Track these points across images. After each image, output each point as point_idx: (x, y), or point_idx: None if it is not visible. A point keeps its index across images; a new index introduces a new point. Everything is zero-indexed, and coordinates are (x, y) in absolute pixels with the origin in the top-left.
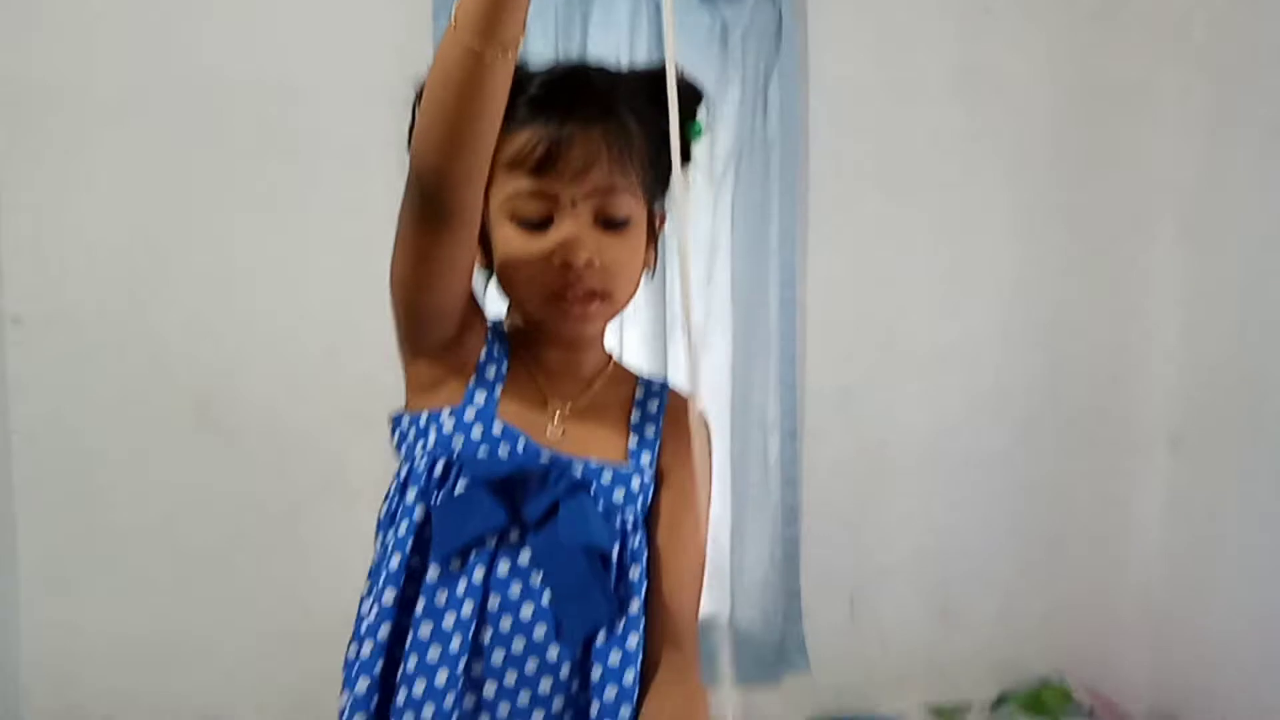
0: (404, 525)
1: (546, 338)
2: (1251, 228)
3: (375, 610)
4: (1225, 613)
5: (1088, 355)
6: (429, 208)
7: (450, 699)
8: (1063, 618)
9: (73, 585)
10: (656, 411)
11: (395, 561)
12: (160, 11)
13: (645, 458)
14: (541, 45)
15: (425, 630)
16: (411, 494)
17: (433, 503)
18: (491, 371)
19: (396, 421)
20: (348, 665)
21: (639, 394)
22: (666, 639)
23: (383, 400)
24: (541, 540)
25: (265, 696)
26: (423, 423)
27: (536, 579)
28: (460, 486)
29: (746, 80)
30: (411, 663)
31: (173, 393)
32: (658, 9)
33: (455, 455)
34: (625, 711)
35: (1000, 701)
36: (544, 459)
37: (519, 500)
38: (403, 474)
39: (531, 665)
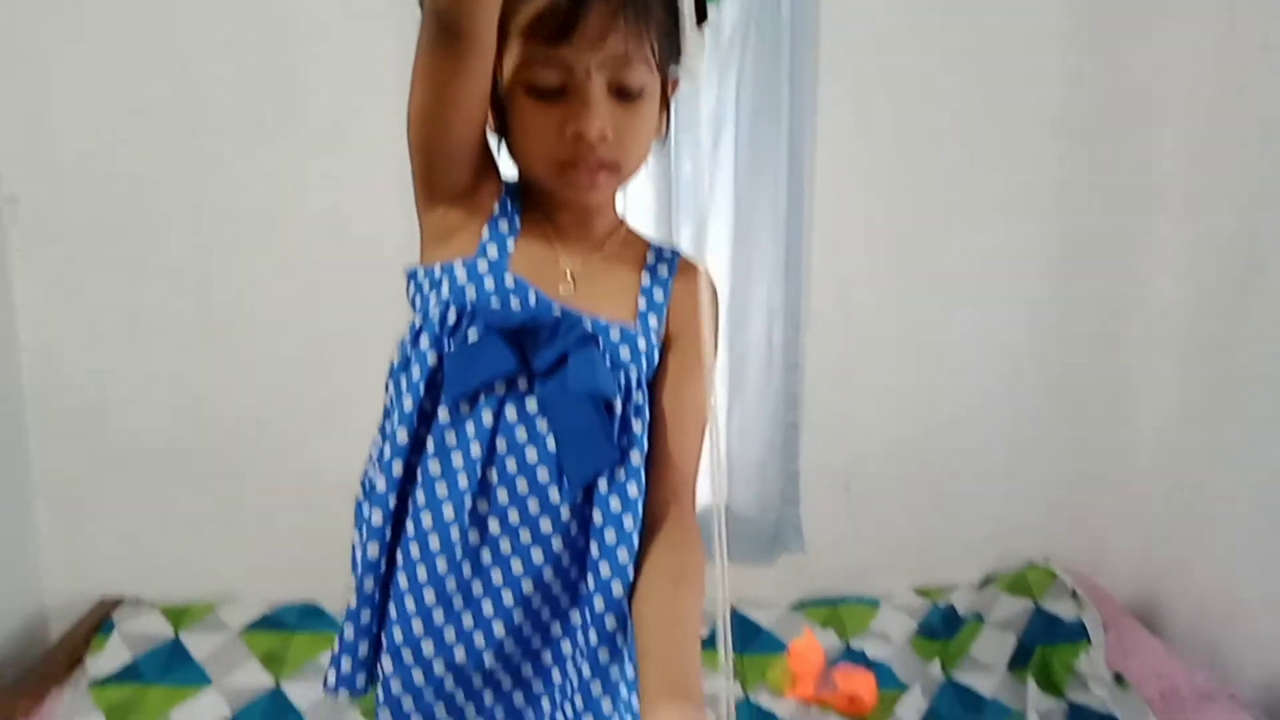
0: (416, 370)
1: (558, 199)
2: (1259, 142)
3: (389, 448)
4: (1217, 510)
5: (1095, 256)
6: (444, 32)
7: (456, 532)
8: (1056, 507)
9: (85, 478)
10: (666, 276)
11: (408, 404)
12: None
13: (653, 320)
14: None
15: (435, 467)
16: (425, 341)
17: (445, 349)
18: (505, 225)
19: (411, 275)
20: (360, 504)
21: (650, 259)
22: (669, 493)
23: (384, 284)
24: (549, 388)
25: (271, 576)
26: (436, 274)
27: (542, 425)
28: (473, 334)
29: None
30: (421, 497)
31: (174, 285)
32: None
33: (468, 304)
34: (623, 554)
35: (986, 582)
36: (555, 312)
37: (528, 350)
38: (417, 324)
39: (533, 505)
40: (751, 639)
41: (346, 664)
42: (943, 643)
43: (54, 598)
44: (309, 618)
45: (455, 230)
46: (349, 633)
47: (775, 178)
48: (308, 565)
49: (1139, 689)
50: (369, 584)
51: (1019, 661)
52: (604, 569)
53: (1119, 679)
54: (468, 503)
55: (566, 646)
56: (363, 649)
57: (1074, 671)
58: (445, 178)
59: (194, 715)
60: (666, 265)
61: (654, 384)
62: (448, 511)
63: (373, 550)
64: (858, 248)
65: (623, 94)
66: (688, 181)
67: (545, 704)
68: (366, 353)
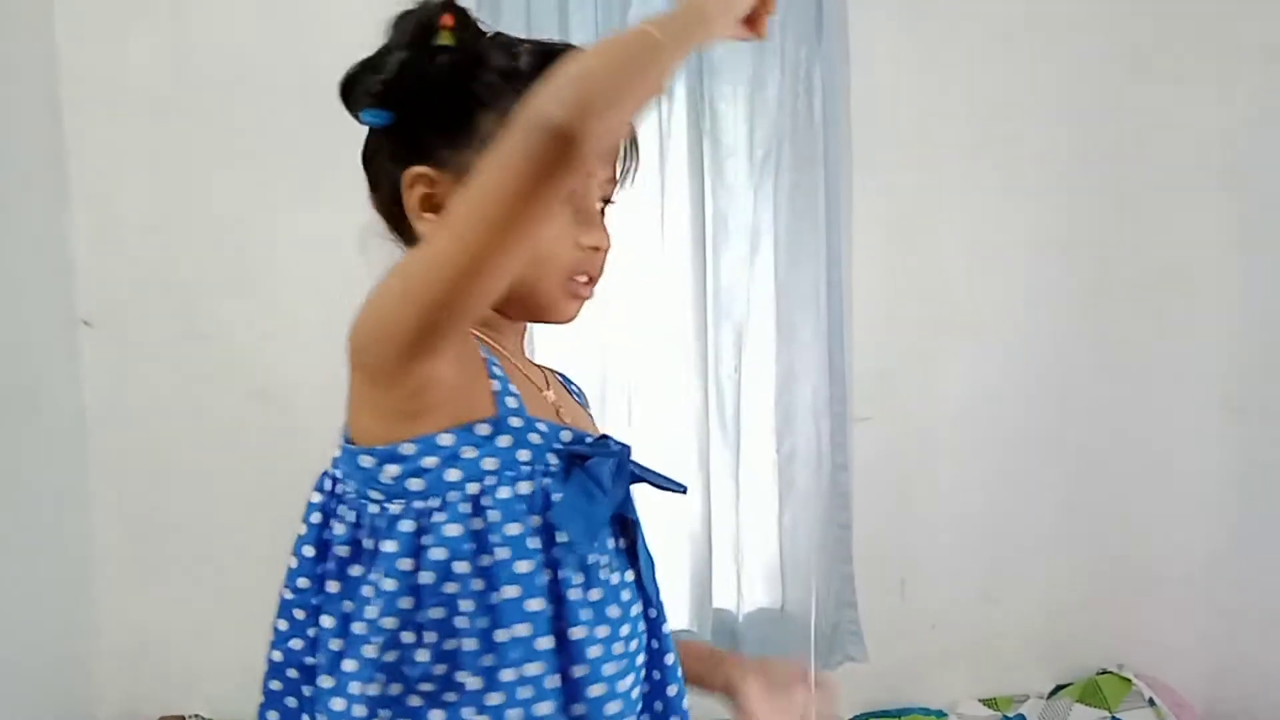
0: (525, 565)
1: (500, 326)
2: None
3: (542, 669)
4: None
5: (1134, 325)
6: (565, 146)
7: (636, 691)
8: (1119, 602)
9: (144, 569)
10: (580, 394)
11: (535, 604)
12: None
13: None
14: (581, 35)
15: (602, 631)
16: (514, 528)
17: (548, 514)
18: (497, 370)
19: (390, 456)
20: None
21: (560, 378)
22: None
23: None
24: (634, 521)
25: None
26: (448, 444)
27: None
28: (574, 484)
29: (786, 67)
30: (601, 688)
31: (230, 379)
32: None
33: (524, 467)
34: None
35: (1056, 691)
36: (612, 445)
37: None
38: (461, 505)
39: (634, 645)
40: None
41: None
42: None
43: (110, 715)
44: None
45: (456, 393)
46: None
47: (815, 279)
48: None
49: None
50: None
51: None
52: (672, 689)
53: None
54: (640, 660)
55: None
56: None
57: None
58: (460, 327)
59: None
60: (572, 385)
61: None
62: (627, 682)
63: None
64: (900, 342)
65: (604, 210)
66: (726, 289)
67: None
68: None
